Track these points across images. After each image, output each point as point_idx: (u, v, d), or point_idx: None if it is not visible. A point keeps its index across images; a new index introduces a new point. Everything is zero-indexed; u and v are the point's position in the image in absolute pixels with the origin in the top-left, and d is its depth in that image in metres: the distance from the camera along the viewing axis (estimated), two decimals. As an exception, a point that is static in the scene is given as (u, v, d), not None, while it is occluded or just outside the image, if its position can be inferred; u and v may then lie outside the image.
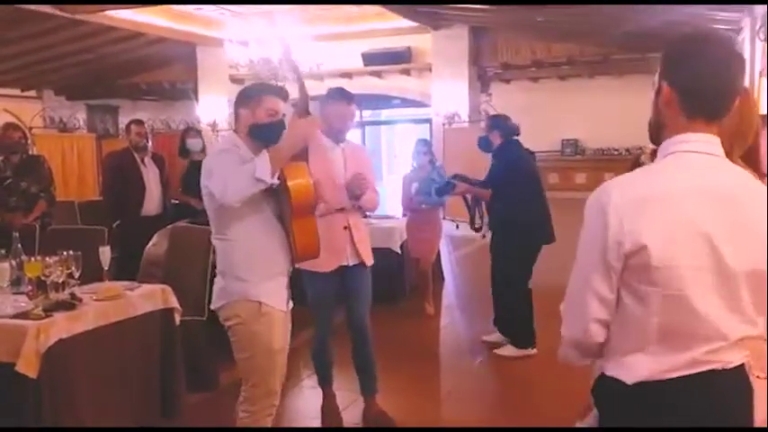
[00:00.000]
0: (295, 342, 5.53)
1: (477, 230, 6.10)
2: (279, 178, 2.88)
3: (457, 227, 11.12)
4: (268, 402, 3.09)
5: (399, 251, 7.10)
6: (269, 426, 3.13)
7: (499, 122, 5.65)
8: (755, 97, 6.65)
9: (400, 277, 7.25)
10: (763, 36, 5.68)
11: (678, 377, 1.55)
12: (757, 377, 2.28)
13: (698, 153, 1.59)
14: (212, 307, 3.15)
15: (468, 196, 6.01)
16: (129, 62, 14.47)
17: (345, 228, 3.95)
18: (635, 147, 13.30)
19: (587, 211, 1.60)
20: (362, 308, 4.14)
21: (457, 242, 10.76)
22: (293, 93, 3.19)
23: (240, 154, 2.95)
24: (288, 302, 3.18)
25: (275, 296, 3.06)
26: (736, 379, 1.60)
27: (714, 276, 1.52)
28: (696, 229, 1.51)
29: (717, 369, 1.56)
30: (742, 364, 1.61)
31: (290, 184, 2.90)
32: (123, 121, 13.48)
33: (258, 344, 3.02)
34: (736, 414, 1.62)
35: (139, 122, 6.95)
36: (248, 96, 3.05)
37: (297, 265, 3.72)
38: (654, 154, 1.78)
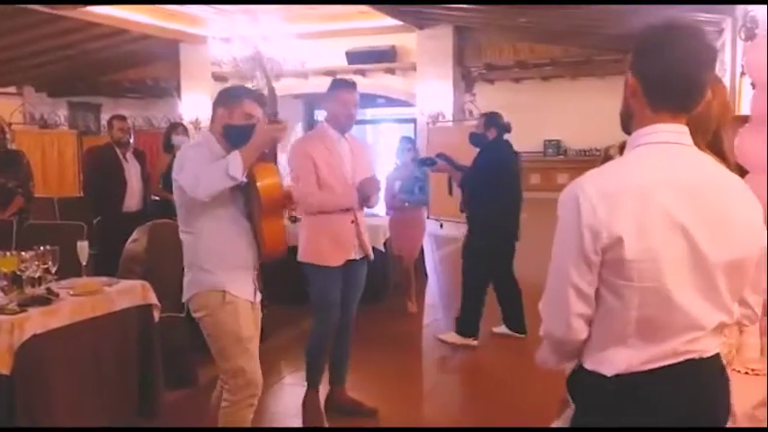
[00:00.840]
0: (275, 340, 5.55)
1: (462, 211, 6.22)
2: (247, 178, 2.97)
3: (441, 226, 11.13)
4: (248, 392, 3.11)
5: (383, 249, 7.09)
6: (250, 415, 3.15)
7: (495, 120, 5.76)
8: (734, 95, 6.69)
9: (383, 275, 7.22)
10: (744, 36, 5.72)
11: (657, 368, 1.55)
12: (737, 371, 2.30)
13: (667, 144, 1.58)
14: (183, 300, 3.20)
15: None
16: (111, 59, 14.33)
17: (353, 222, 3.98)
18: (617, 147, 13.38)
19: (561, 207, 1.58)
20: (356, 302, 4.17)
21: (440, 241, 10.76)
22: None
23: (212, 150, 3.03)
24: (255, 294, 3.22)
25: (240, 286, 3.11)
26: (712, 367, 1.61)
27: (691, 267, 1.52)
28: (671, 221, 1.50)
29: (694, 358, 1.56)
30: (717, 353, 1.62)
31: (259, 184, 2.98)
32: (105, 118, 13.34)
33: (226, 332, 3.07)
34: (714, 401, 1.63)
35: (122, 118, 6.88)
36: (229, 97, 3.14)
37: (301, 260, 3.94)
38: (623, 146, 1.77)
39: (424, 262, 8.35)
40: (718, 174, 1.62)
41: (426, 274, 8.38)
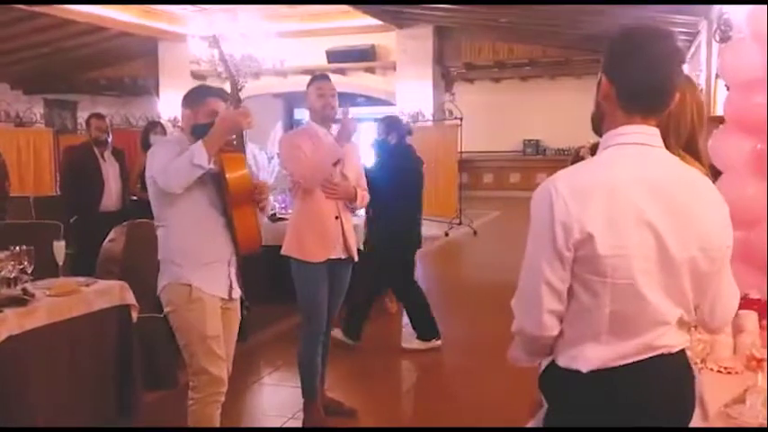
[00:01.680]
0: (255, 340, 5.54)
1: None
2: (218, 169, 3.04)
3: (420, 225, 11.12)
4: (212, 390, 3.13)
5: (363, 248, 7.07)
6: (216, 412, 3.17)
7: (394, 124, 5.65)
8: (708, 97, 6.78)
9: (363, 275, 7.21)
10: (718, 38, 5.80)
11: (630, 363, 1.58)
12: (710, 369, 2.33)
13: (637, 144, 1.61)
14: (158, 292, 3.20)
15: None
16: (89, 56, 14.22)
17: (337, 218, 3.92)
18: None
19: (534, 204, 1.60)
20: (339, 304, 4.12)
21: (419, 241, 10.76)
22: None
23: (183, 147, 3.05)
24: (230, 290, 3.22)
25: (209, 282, 3.12)
26: (679, 362, 1.65)
27: (659, 264, 1.55)
28: (641, 218, 1.53)
29: (664, 354, 1.60)
30: (683, 349, 1.66)
31: (228, 176, 3.04)
32: (82, 116, 13.24)
33: (191, 330, 3.10)
34: (683, 396, 1.67)
35: (100, 116, 6.80)
36: (193, 98, 3.23)
37: (284, 253, 3.90)
38: (594, 147, 1.80)
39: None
40: (686, 174, 1.66)
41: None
